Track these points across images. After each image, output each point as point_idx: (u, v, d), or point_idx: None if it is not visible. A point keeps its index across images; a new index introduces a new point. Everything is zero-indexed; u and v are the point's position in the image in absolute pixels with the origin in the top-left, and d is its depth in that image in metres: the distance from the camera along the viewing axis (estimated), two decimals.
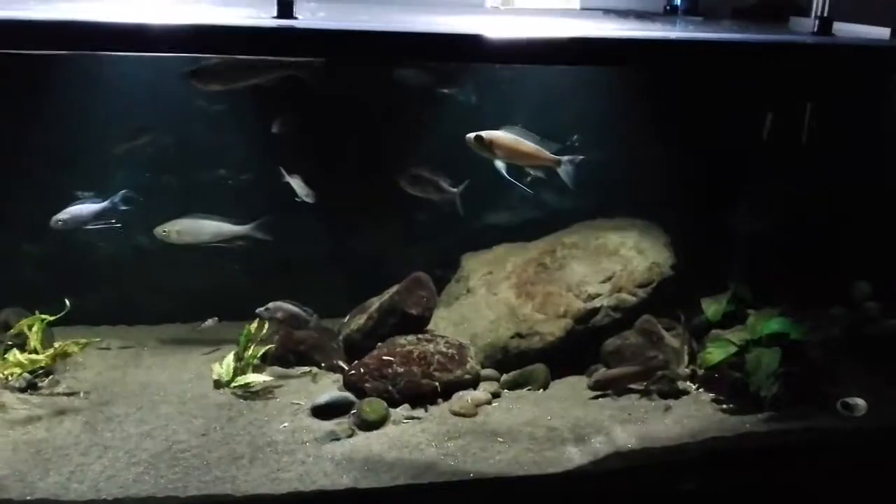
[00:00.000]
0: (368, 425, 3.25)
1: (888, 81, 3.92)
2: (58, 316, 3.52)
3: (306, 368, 3.72)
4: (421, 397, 3.44)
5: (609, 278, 3.90)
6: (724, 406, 3.48)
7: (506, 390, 3.62)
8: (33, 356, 3.46)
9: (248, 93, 3.60)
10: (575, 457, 3.12)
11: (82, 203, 3.64)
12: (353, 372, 3.53)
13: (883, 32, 3.25)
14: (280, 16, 2.77)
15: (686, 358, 3.72)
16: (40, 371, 3.48)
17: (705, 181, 3.99)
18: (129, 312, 4.03)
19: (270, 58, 3.35)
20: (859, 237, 3.98)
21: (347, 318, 3.94)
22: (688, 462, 3.17)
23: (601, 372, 3.64)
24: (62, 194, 3.67)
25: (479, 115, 3.85)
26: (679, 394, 3.56)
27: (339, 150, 3.96)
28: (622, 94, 3.97)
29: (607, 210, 4.20)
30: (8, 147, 3.69)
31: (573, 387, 3.66)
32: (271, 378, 3.55)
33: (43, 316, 3.53)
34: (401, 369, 3.47)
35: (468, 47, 2.86)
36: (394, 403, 3.39)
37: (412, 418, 3.35)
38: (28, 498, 2.77)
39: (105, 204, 3.65)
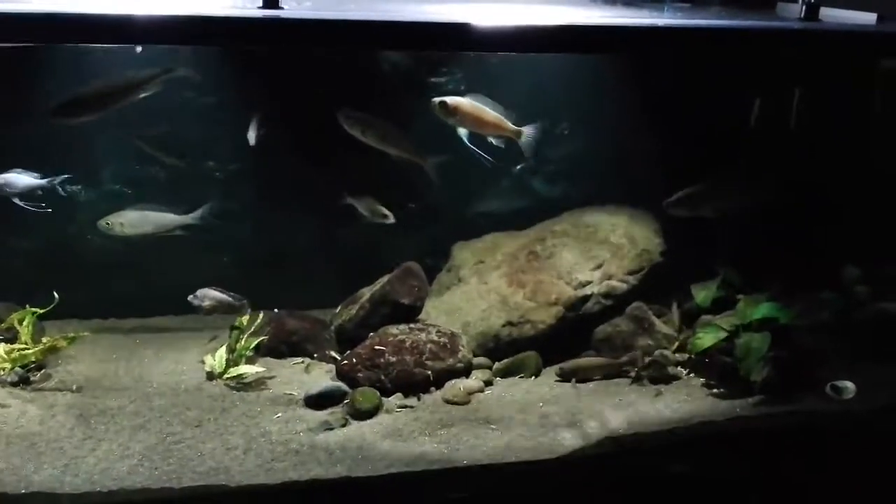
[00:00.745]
0: (361, 414, 3.26)
1: (875, 66, 3.94)
2: (47, 309, 3.51)
3: (299, 359, 3.73)
4: (413, 386, 3.45)
5: (599, 266, 3.91)
6: (715, 391, 3.50)
7: (498, 378, 3.64)
8: (24, 350, 3.46)
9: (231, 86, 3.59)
10: (568, 442, 3.14)
11: (20, 173, 3.55)
12: (345, 362, 3.54)
13: (870, 18, 3.26)
14: (266, 6, 2.76)
15: (676, 343, 3.75)
16: (32, 365, 3.48)
17: (694, 167, 4.00)
18: (119, 305, 4.02)
19: (141, 73, 3.37)
20: (848, 221, 4.00)
21: (339, 308, 3.95)
22: (679, 446, 3.20)
23: (568, 362, 3.66)
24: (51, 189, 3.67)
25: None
26: (670, 379, 3.59)
27: (326, 140, 3.95)
28: (611, 82, 3.98)
29: (597, 197, 4.21)
30: None
31: None
32: (264, 369, 3.55)
33: (33, 309, 3.53)
34: (393, 359, 3.49)
35: (456, 36, 2.86)
36: (386, 393, 3.40)
37: (405, 407, 3.36)
38: (23, 491, 2.77)
39: (41, 182, 3.58)
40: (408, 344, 3.55)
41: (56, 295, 3.47)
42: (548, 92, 3.95)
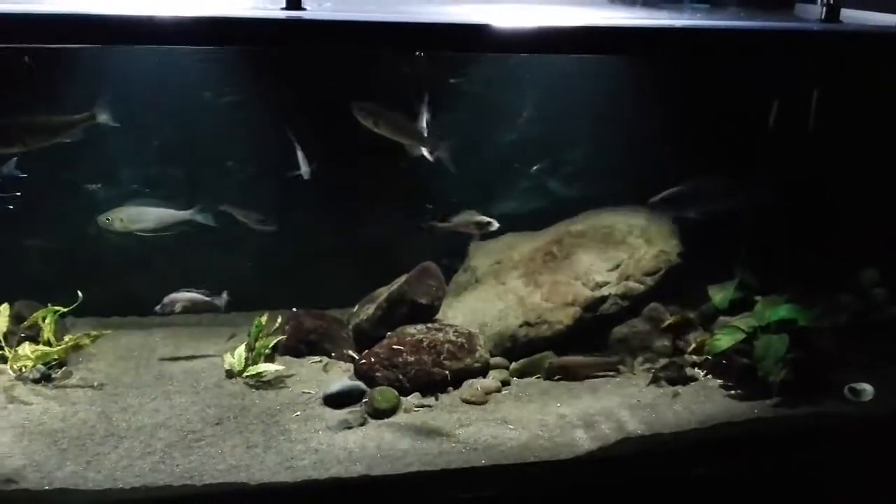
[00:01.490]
0: (380, 413, 3.28)
1: None
2: (70, 308, 3.54)
3: (317, 358, 3.75)
4: (431, 385, 3.47)
5: (616, 266, 3.91)
6: (733, 392, 3.50)
7: (515, 378, 3.65)
8: (47, 348, 3.49)
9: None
10: (585, 443, 3.15)
11: None
12: (363, 361, 3.55)
13: (891, 19, 3.25)
14: (288, 7, 2.78)
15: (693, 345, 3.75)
16: (54, 363, 3.52)
17: (713, 169, 3.98)
18: (139, 304, 4.05)
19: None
20: (867, 224, 3.99)
21: (357, 307, 3.96)
22: (697, 448, 3.20)
23: (555, 359, 3.66)
24: (71, 188, 3.70)
25: (489, 104, 3.85)
26: (688, 380, 3.59)
27: (345, 140, 3.97)
28: (631, 83, 3.97)
29: (614, 198, 4.21)
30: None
31: None
32: (283, 368, 3.58)
33: (56, 308, 3.56)
34: (411, 358, 3.50)
35: (476, 37, 2.87)
36: (404, 392, 3.42)
37: (423, 406, 3.38)
38: (46, 487, 2.80)
39: None
40: (425, 343, 3.56)
41: (80, 294, 3.50)
42: (564, 93, 3.95)
